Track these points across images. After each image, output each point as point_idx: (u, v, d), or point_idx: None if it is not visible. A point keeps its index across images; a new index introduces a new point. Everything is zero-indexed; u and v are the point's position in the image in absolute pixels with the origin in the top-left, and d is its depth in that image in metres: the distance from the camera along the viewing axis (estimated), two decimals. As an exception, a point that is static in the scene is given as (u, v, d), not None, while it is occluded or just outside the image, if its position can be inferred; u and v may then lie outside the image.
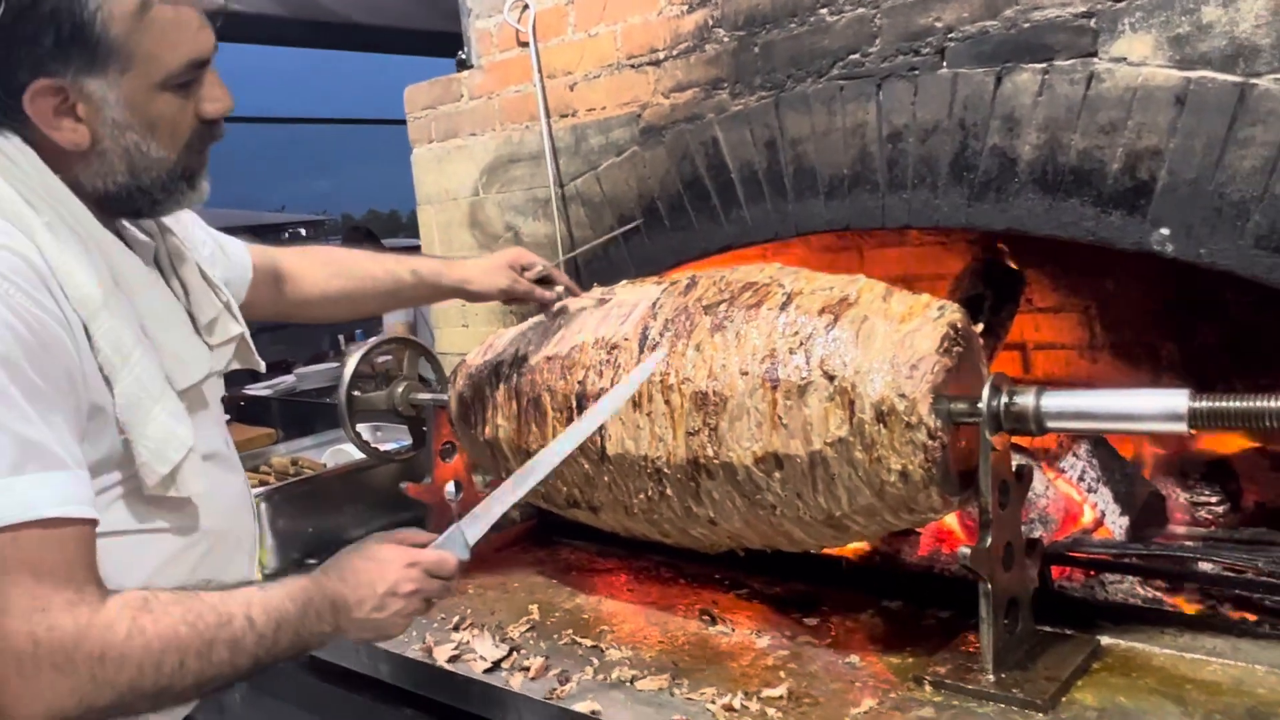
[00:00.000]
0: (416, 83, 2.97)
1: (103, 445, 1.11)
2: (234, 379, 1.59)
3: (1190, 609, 1.66)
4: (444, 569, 1.28)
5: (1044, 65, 1.68)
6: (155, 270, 1.26)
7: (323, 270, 1.80)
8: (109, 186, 1.15)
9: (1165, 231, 1.59)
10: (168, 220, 1.32)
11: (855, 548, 2.00)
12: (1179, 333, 2.15)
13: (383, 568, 1.23)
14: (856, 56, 1.93)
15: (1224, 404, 1.33)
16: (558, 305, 1.94)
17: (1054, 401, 1.45)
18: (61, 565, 0.99)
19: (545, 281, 1.92)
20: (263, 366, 1.47)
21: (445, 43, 2.93)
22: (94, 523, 1.04)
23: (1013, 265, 2.21)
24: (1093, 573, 1.77)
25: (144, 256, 1.25)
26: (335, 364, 5.78)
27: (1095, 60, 1.62)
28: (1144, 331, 2.20)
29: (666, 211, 2.34)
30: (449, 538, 1.31)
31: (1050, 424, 1.46)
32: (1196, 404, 1.34)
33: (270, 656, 1.13)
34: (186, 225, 1.44)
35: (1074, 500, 1.99)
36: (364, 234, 6.45)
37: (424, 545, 1.29)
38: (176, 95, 1.14)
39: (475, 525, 1.33)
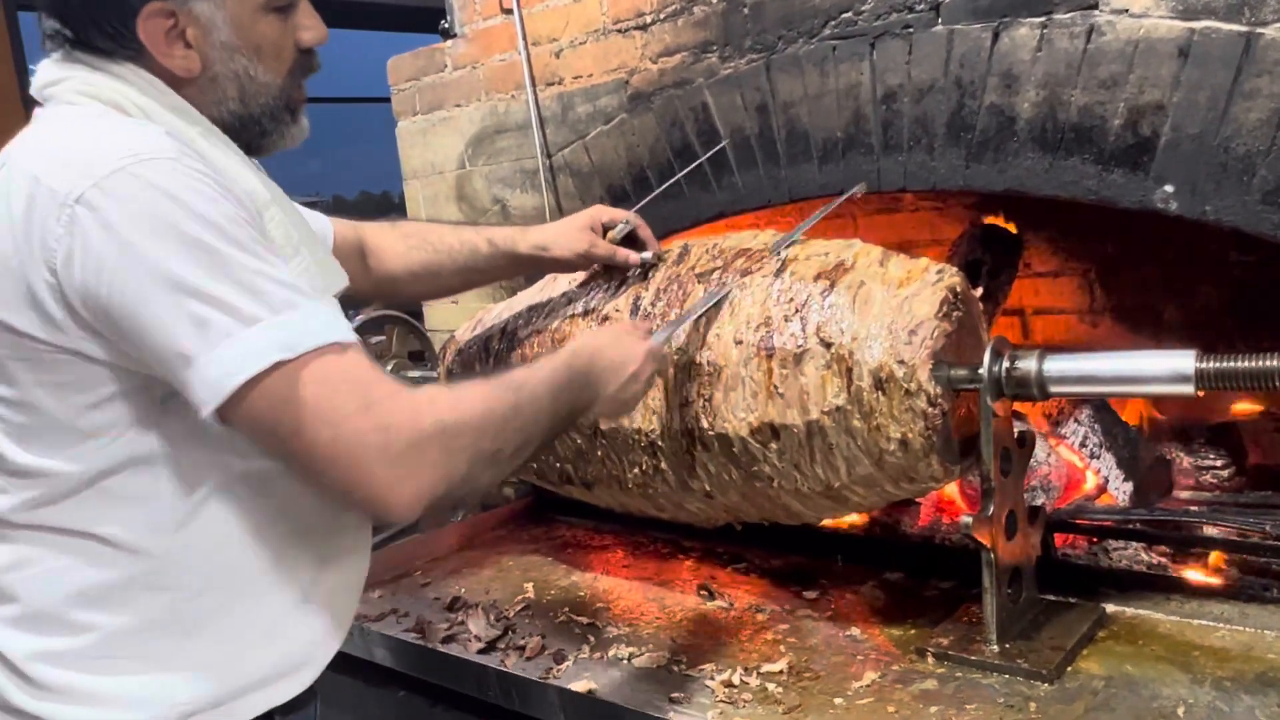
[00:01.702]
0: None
1: None
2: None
3: (1196, 575, 1.63)
4: (665, 363, 1.46)
5: (1043, 19, 1.63)
6: None
7: (404, 243, 1.71)
8: (223, 114, 1.13)
9: (1169, 189, 1.54)
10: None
11: (854, 519, 1.98)
12: (1181, 295, 2.11)
13: (628, 353, 1.34)
14: (849, 15, 1.87)
15: (1231, 364, 1.29)
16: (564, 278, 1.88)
17: (1057, 365, 1.41)
18: (366, 371, 1.01)
19: (631, 241, 1.72)
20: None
21: (431, 18, 2.86)
22: (365, 348, 1.05)
23: (1011, 229, 2.17)
24: (1096, 540, 1.75)
25: None
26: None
27: (1095, 12, 1.57)
28: (1145, 294, 2.17)
29: (657, 180, 2.28)
30: (658, 336, 1.46)
31: (1053, 389, 1.42)
32: (1204, 365, 1.30)
33: (555, 421, 1.21)
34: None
35: (1076, 467, 1.96)
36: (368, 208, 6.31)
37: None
38: (278, 18, 1.14)
39: (677, 325, 1.53)
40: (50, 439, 1.02)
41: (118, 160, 0.96)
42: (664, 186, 1.98)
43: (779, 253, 1.58)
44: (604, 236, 1.71)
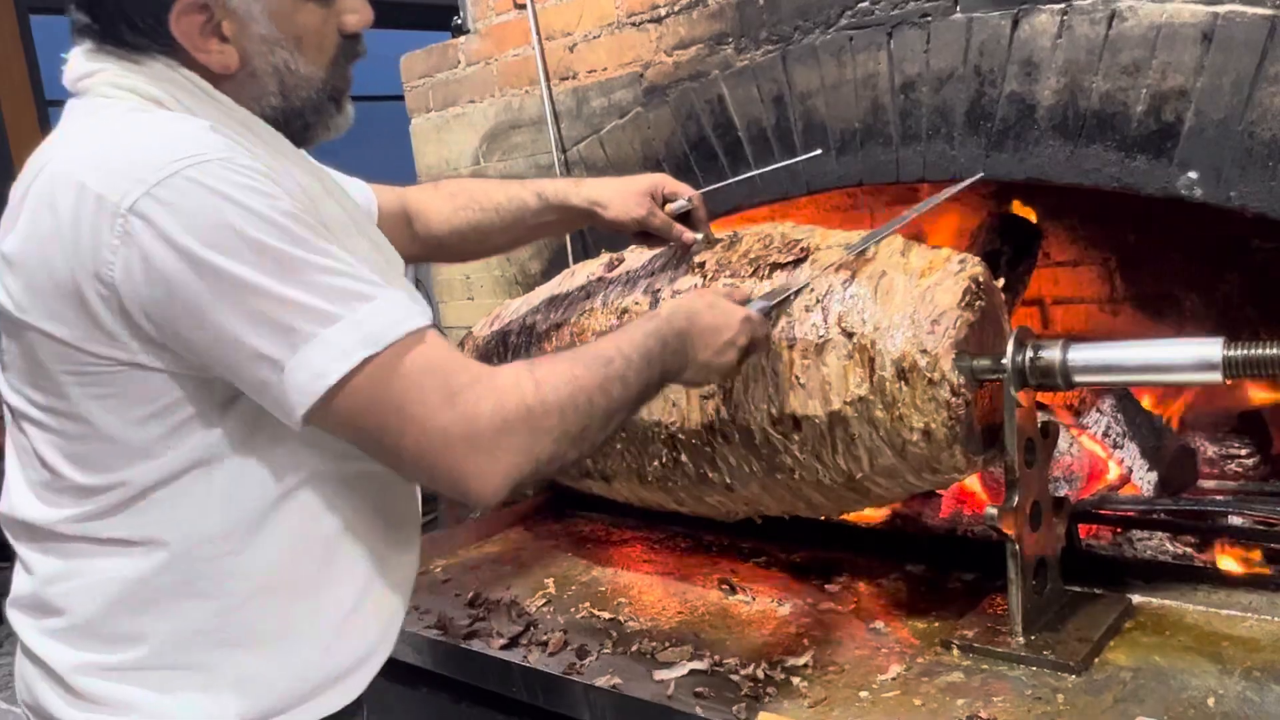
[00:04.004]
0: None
1: None
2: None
3: (1223, 564, 1.62)
4: (763, 329, 1.38)
5: (1063, 5, 1.61)
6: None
7: (449, 203, 1.65)
8: (264, 110, 1.09)
9: (1193, 175, 1.53)
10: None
11: (876, 511, 1.97)
12: (1202, 283, 2.09)
13: (725, 318, 1.30)
14: (865, 4, 1.86)
15: (1260, 352, 1.27)
16: (565, 271, 1.89)
17: (1081, 354, 1.40)
18: (446, 358, 1.00)
19: (687, 219, 1.64)
20: None
21: (442, 16, 2.86)
22: (443, 331, 1.06)
23: (1031, 218, 2.15)
24: (1120, 530, 1.73)
25: None
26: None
27: (1117, -2, 1.56)
28: (1166, 283, 2.15)
29: (672, 173, 2.26)
30: (758, 305, 1.42)
31: (1078, 378, 1.41)
32: (1231, 353, 1.28)
33: (649, 390, 1.19)
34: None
35: (1099, 457, 1.95)
36: None
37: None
38: (319, 6, 1.09)
39: (773, 299, 1.46)
40: (106, 453, 1.00)
41: (169, 164, 0.93)
42: (739, 178, 1.90)
43: (867, 247, 1.52)
44: (661, 208, 1.63)
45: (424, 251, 1.66)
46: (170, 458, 1.00)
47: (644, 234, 1.65)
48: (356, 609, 1.12)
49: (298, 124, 1.13)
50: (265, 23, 1.05)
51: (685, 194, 1.63)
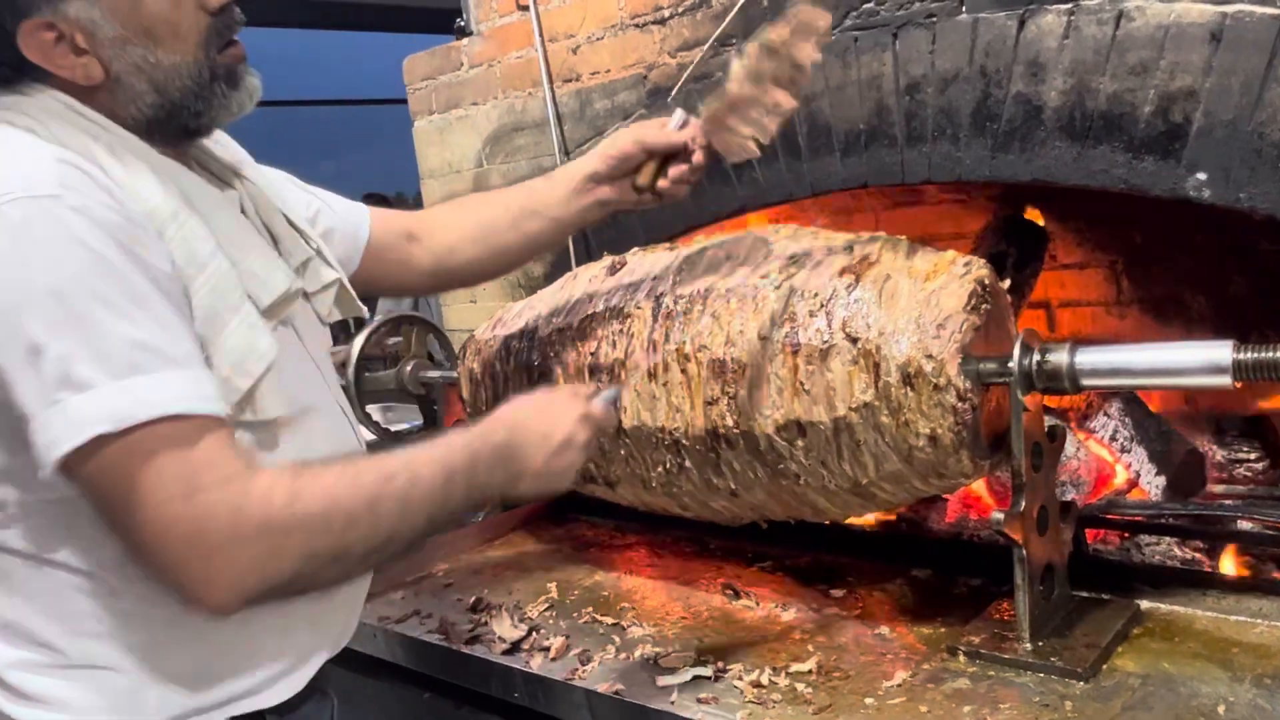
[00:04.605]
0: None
1: None
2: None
3: (1232, 569, 1.60)
4: (609, 423, 1.30)
5: (1069, 6, 1.60)
6: (228, 195, 1.20)
7: (454, 212, 1.59)
8: (144, 111, 1.07)
9: (1202, 176, 1.51)
10: (248, 171, 1.26)
11: (881, 516, 1.95)
12: (1209, 286, 2.08)
13: (556, 420, 1.20)
14: (871, 5, 1.85)
15: (1270, 354, 1.26)
16: (569, 274, 1.87)
17: (1089, 358, 1.39)
18: (203, 452, 0.96)
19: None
20: (365, 312, 1.40)
21: (445, 19, 2.86)
22: (223, 421, 0.99)
23: (1036, 220, 2.14)
24: (1128, 535, 1.72)
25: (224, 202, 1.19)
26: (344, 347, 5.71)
27: (1124, -2, 1.55)
28: (1173, 286, 2.14)
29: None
30: (603, 397, 1.30)
31: (1085, 381, 1.39)
32: (1241, 355, 1.27)
33: (445, 511, 1.10)
34: (276, 183, 1.36)
35: (1106, 461, 1.93)
36: (378, 200, 6.19)
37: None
38: None
39: (619, 390, 1.38)
40: None
41: None
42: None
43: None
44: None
45: (434, 271, 1.58)
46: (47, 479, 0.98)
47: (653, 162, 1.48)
48: (281, 620, 1.11)
49: (185, 114, 1.10)
50: (108, 24, 1.02)
51: (671, 120, 1.48)
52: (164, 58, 1.06)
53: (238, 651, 1.09)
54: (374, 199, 5.97)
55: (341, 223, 1.49)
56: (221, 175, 1.22)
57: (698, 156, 1.46)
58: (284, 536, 0.97)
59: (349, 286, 1.36)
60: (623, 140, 1.47)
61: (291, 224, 1.27)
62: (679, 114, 1.47)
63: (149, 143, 1.09)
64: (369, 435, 2.62)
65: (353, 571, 1.07)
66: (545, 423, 1.19)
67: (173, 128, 1.10)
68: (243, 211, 1.21)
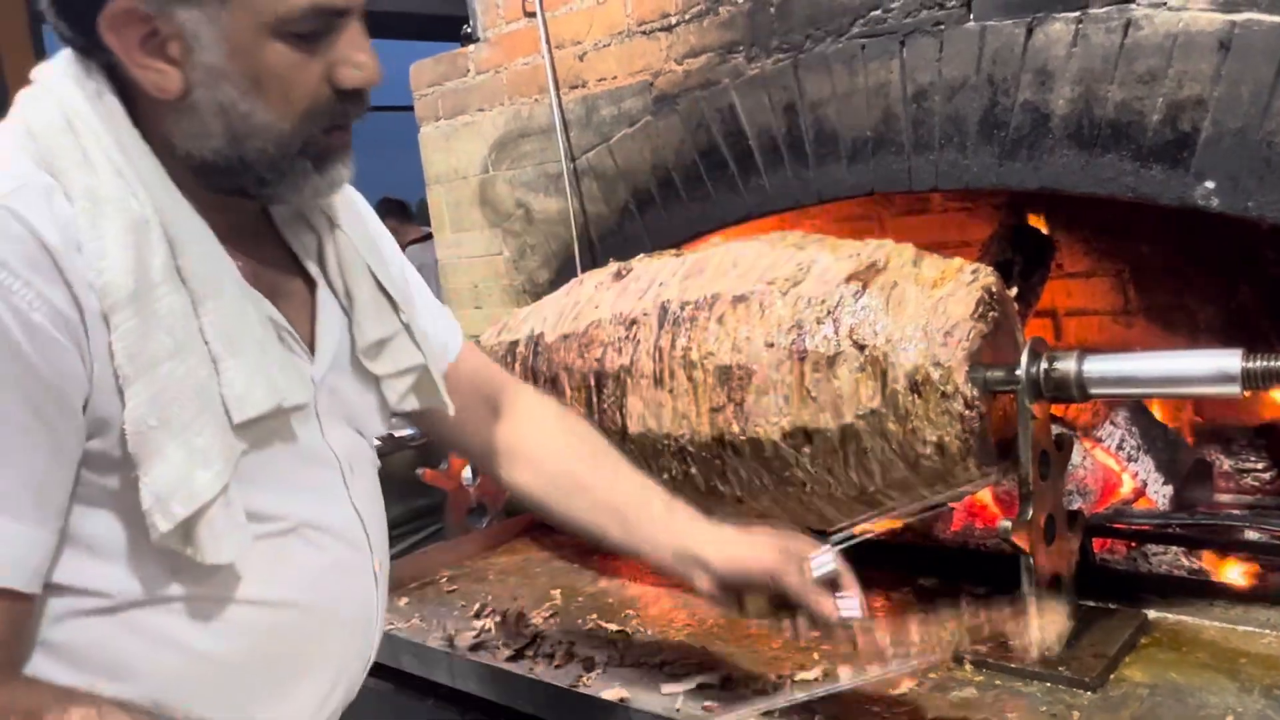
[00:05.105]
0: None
1: (103, 470, 0.89)
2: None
3: (1241, 579, 1.59)
4: None
5: (1077, 14, 1.60)
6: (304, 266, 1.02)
7: (554, 439, 1.31)
8: (204, 153, 0.91)
9: (1210, 185, 1.51)
10: (342, 216, 1.08)
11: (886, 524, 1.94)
12: (1216, 295, 2.07)
13: None
14: (878, 13, 1.85)
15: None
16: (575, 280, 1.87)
17: (1097, 366, 1.38)
18: None
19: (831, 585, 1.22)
20: (450, 407, 1.18)
21: (451, 26, 2.86)
22: (26, 600, 0.84)
23: (1042, 228, 2.14)
24: (1134, 545, 1.71)
25: (301, 252, 1.03)
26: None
27: (1133, 6, 1.54)
28: (1180, 294, 2.13)
29: (682, 182, 2.27)
30: None
31: (1094, 390, 1.39)
32: (1250, 364, 1.26)
33: None
34: (376, 237, 1.15)
35: (1112, 470, 1.92)
36: (396, 206, 5.83)
37: None
38: (295, 49, 0.89)
39: None
40: None
41: None
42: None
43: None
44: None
45: (485, 452, 1.33)
46: None
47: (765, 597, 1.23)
48: None
49: (249, 180, 0.94)
50: (216, 51, 0.87)
51: (824, 560, 1.21)
52: (258, 113, 0.90)
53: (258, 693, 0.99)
54: (392, 204, 5.87)
55: (429, 327, 1.21)
56: (309, 215, 1.06)
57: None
58: None
59: (436, 375, 1.15)
60: (759, 562, 1.19)
61: (381, 287, 1.09)
62: (827, 559, 1.22)
63: (196, 179, 0.94)
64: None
65: None
66: None
67: (227, 183, 0.95)
68: (320, 264, 1.05)
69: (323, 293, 1.06)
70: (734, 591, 1.22)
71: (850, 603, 1.20)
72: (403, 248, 1.27)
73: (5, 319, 0.80)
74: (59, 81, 0.90)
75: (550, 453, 1.31)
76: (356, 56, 0.92)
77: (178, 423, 0.88)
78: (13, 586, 0.82)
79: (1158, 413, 2.02)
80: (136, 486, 0.87)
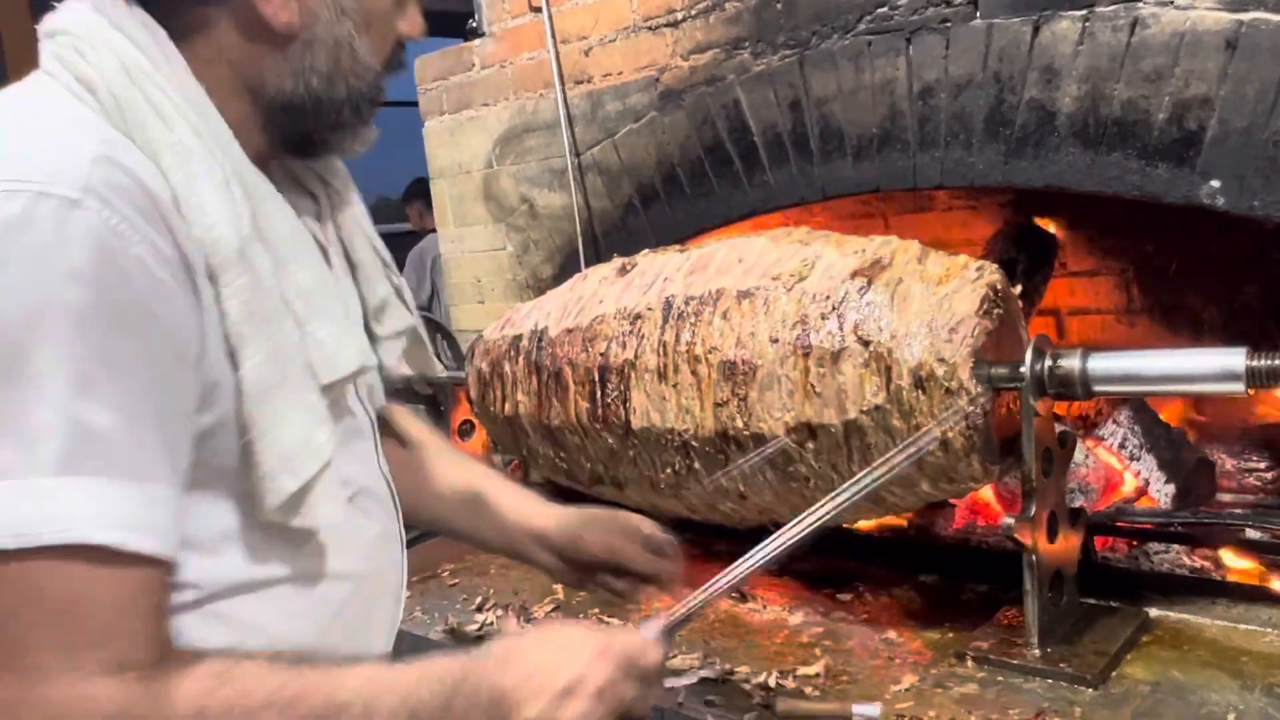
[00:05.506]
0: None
1: (211, 446, 0.83)
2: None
3: (1242, 578, 1.60)
4: (646, 661, 0.95)
5: (1084, 12, 1.60)
6: (310, 230, 0.99)
7: (414, 427, 1.31)
8: (298, 89, 0.89)
9: (1216, 184, 1.51)
10: (337, 181, 1.05)
11: (889, 521, 1.95)
12: (1220, 294, 2.07)
13: (564, 656, 0.90)
14: (884, 10, 1.85)
15: (1284, 362, 1.26)
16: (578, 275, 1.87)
17: (1101, 364, 1.38)
18: (110, 611, 0.72)
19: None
20: (440, 370, 1.19)
21: (455, 23, 2.86)
22: (166, 566, 0.77)
23: (1047, 227, 2.14)
24: (1135, 543, 1.71)
25: (301, 212, 0.99)
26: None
27: (1139, 5, 1.54)
28: (1183, 294, 2.13)
29: (687, 178, 2.27)
30: (647, 625, 1.01)
31: (1097, 387, 1.39)
32: (1255, 363, 1.27)
33: None
34: (360, 208, 1.13)
35: (1114, 469, 1.92)
36: (426, 188, 5.81)
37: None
38: None
39: (678, 615, 1.06)
40: None
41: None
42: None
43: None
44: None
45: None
46: None
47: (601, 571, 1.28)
48: None
49: (328, 119, 0.92)
50: None
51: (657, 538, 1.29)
52: (363, 51, 0.91)
53: None
54: (424, 186, 5.69)
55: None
56: (303, 179, 1.02)
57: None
58: None
59: (425, 337, 1.15)
60: (597, 539, 1.26)
61: (376, 250, 1.08)
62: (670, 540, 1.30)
63: (266, 127, 0.91)
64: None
65: None
66: (550, 661, 0.90)
67: (301, 126, 0.92)
68: (319, 220, 1.03)
69: (335, 257, 1.03)
70: (576, 568, 1.27)
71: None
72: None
73: (128, 267, 0.74)
74: (101, 30, 0.82)
75: (399, 442, 1.29)
76: (417, 14, 0.97)
77: (293, 381, 0.85)
78: (164, 554, 0.76)
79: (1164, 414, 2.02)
80: (239, 461, 0.83)
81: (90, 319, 0.71)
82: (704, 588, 1.09)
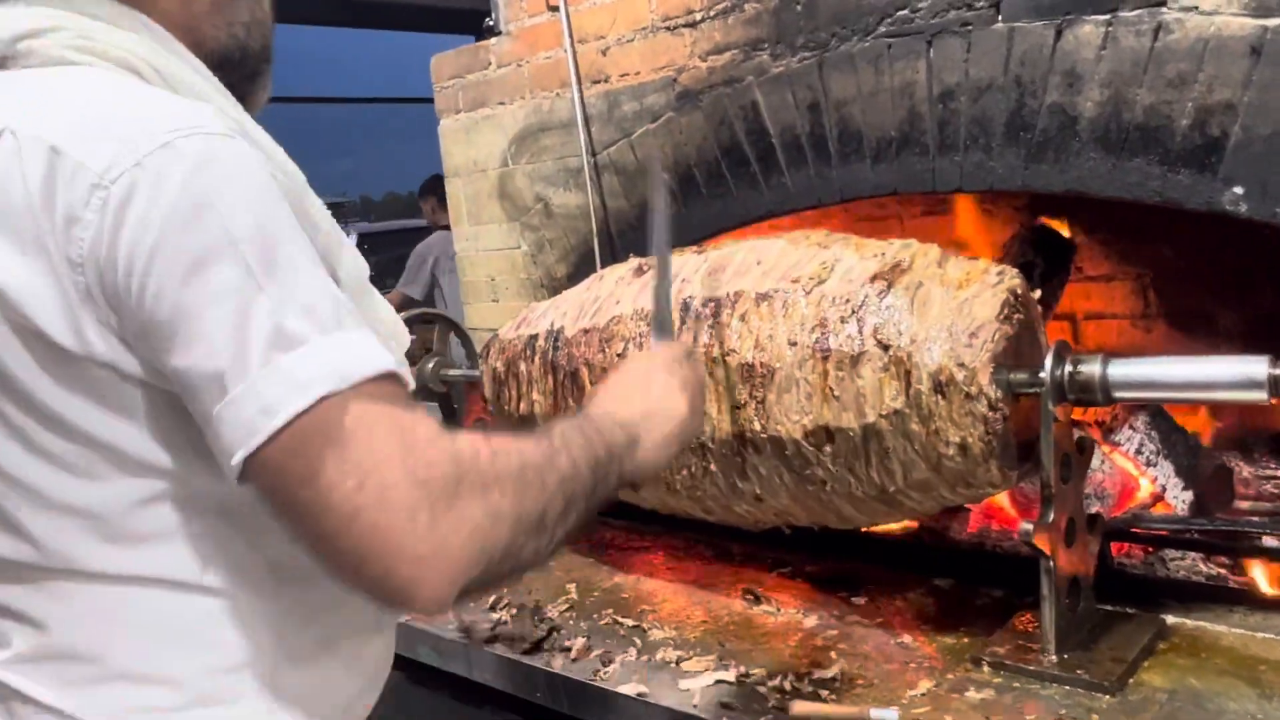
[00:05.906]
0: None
1: None
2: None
3: (1261, 586, 1.59)
4: (684, 351, 1.20)
5: (1108, 16, 1.59)
6: None
7: None
8: (225, 40, 0.95)
9: (1238, 190, 1.50)
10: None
11: (903, 525, 1.94)
12: (1237, 300, 2.06)
13: (651, 374, 1.11)
14: (905, 12, 1.84)
15: (1308, 371, 1.25)
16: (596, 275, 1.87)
17: (1122, 370, 1.38)
18: (410, 410, 0.82)
19: None
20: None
21: (470, 20, 2.86)
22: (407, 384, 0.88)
23: (1063, 230, 2.13)
24: (1152, 550, 1.71)
25: None
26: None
27: (1163, 10, 1.54)
28: (1200, 299, 2.12)
29: (704, 180, 2.27)
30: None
31: (1118, 394, 1.39)
32: (1278, 371, 1.26)
33: (592, 500, 0.98)
34: None
35: (1130, 474, 1.92)
36: (441, 184, 5.84)
37: None
38: None
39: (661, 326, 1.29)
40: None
41: (162, 133, 0.78)
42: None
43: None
44: None
45: None
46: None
47: None
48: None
49: (246, 69, 0.98)
50: None
51: None
52: (266, 4, 0.98)
53: (335, 678, 0.99)
54: (438, 183, 5.70)
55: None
56: None
57: None
58: (499, 495, 0.83)
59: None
60: None
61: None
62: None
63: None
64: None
65: (545, 547, 0.90)
66: (645, 382, 1.11)
67: (232, 77, 0.95)
68: None
69: None
70: None
71: None
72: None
73: (277, 182, 0.84)
74: (96, 28, 0.87)
75: None
76: None
77: (366, 277, 0.98)
78: (401, 369, 0.84)
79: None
80: None
81: (290, 216, 0.83)
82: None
